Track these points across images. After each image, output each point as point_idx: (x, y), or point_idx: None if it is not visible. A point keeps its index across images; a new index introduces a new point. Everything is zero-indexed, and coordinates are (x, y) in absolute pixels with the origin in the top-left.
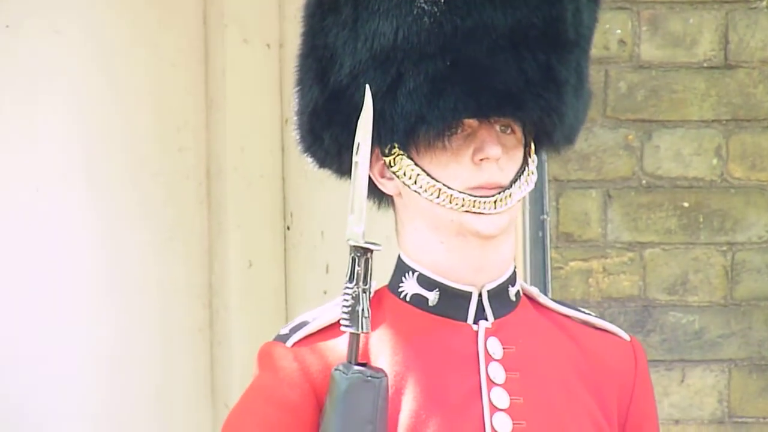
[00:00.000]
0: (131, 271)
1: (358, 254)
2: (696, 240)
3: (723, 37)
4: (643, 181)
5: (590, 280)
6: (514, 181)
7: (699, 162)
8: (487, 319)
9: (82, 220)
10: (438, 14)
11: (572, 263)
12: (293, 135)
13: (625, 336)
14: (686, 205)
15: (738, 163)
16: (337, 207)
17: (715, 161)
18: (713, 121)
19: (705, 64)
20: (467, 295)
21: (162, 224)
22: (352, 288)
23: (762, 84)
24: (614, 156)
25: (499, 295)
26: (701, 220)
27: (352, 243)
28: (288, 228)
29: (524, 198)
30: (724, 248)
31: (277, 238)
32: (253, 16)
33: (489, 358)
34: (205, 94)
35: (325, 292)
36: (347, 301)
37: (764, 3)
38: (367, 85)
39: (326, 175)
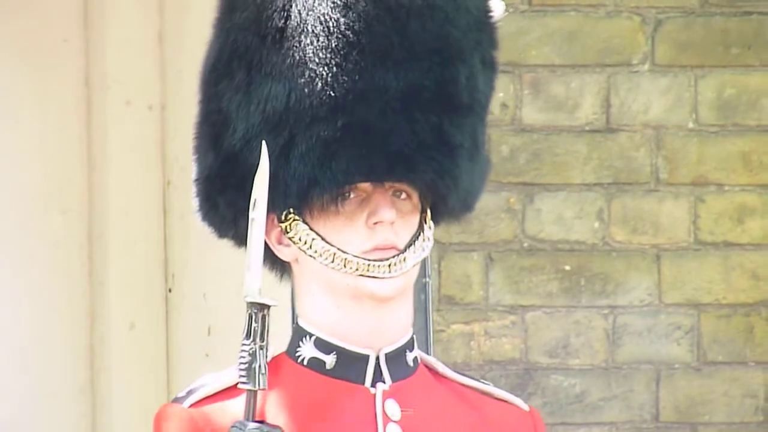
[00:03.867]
0: (10, 331)
1: (255, 310)
2: (577, 303)
3: (605, 101)
4: (525, 244)
5: (472, 343)
6: (410, 245)
7: (580, 225)
8: (384, 382)
9: None
10: (329, 77)
11: (454, 326)
12: (183, 198)
13: (525, 406)
14: (568, 268)
15: (619, 227)
16: (219, 270)
17: (596, 224)
18: (595, 184)
19: (587, 128)
20: (364, 359)
21: (43, 286)
22: (249, 345)
23: (643, 147)
24: (496, 219)
25: (396, 360)
26: (583, 283)
27: (249, 299)
28: (170, 290)
29: (419, 263)
30: (606, 311)
31: (158, 300)
32: (134, 78)
33: (387, 419)
34: (88, 156)
35: (207, 355)
36: (244, 358)
37: (646, 66)
38: (264, 142)
39: (207, 238)
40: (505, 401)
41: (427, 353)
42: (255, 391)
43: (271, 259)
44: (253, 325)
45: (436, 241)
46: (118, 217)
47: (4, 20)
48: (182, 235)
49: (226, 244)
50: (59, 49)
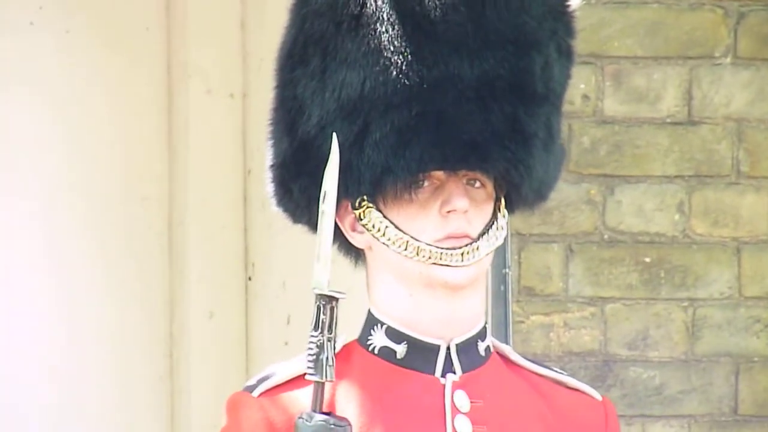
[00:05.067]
0: (91, 320)
1: (323, 302)
2: (657, 295)
3: (687, 93)
4: (605, 236)
5: (551, 334)
6: (483, 234)
7: (661, 217)
8: (455, 373)
9: (43, 269)
10: (404, 65)
11: (534, 317)
12: (263, 187)
13: (598, 396)
14: (648, 260)
15: (700, 219)
16: (298, 258)
17: (677, 217)
18: (676, 176)
19: (668, 120)
20: (435, 349)
21: (123, 273)
22: (317, 336)
23: (725, 140)
24: (576, 210)
25: (467, 349)
26: (662, 275)
27: (317, 291)
28: (249, 278)
29: (493, 252)
30: (686, 304)
31: (238, 289)
32: (216, 67)
33: (456, 410)
34: (168, 144)
35: (286, 343)
36: (312, 349)
37: (728, 59)
38: (334, 134)
39: (288, 227)
40: (578, 390)
41: (507, 344)
42: (322, 383)
43: (345, 245)
44: (321, 316)
45: (516, 233)
46: (198, 205)
47: (87, 10)
48: (262, 224)
49: (306, 233)
50: (141, 37)
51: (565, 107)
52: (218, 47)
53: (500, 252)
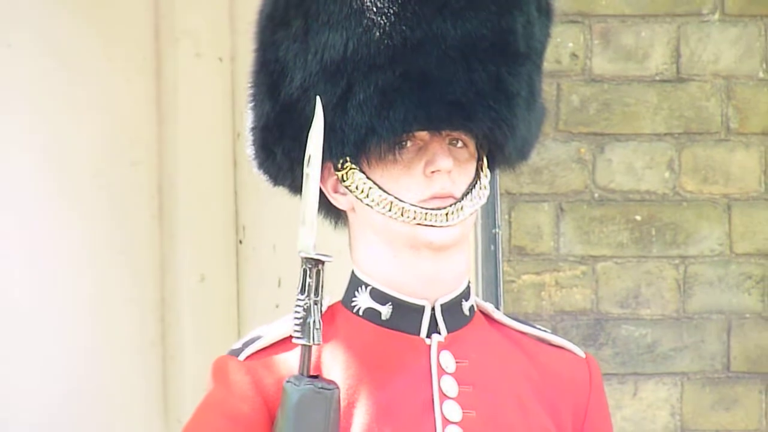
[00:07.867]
0: (82, 285)
1: (310, 266)
2: (648, 253)
3: (675, 51)
4: (596, 195)
5: (543, 293)
6: (466, 194)
7: (651, 175)
8: (440, 333)
9: (33, 234)
10: (387, 26)
11: (525, 276)
12: (246, 150)
13: (581, 353)
14: (638, 218)
15: (690, 177)
16: (289, 221)
17: (667, 174)
18: (665, 134)
19: (657, 78)
20: (420, 309)
21: (114, 238)
22: (303, 300)
23: (714, 97)
24: (566, 169)
25: (452, 309)
26: (653, 233)
27: (304, 255)
28: (240, 242)
29: (476, 211)
30: (677, 261)
31: (229, 252)
32: (205, 30)
33: (441, 371)
34: (158, 108)
35: (277, 306)
36: (298, 313)
37: (716, 16)
38: (318, 98)
39: (278, 190)
40: (562, 347)
41: (497, 304)
42: (309, 347)
43: (326, 206)
44: (308, 280)
45: (506, 192)
46: (188, 169)
47: None
48: (252, 187)
49: (297, 197)
50: (129, 1)
51: (554, 66)
52: (207, 10)
53: (490, 212)
